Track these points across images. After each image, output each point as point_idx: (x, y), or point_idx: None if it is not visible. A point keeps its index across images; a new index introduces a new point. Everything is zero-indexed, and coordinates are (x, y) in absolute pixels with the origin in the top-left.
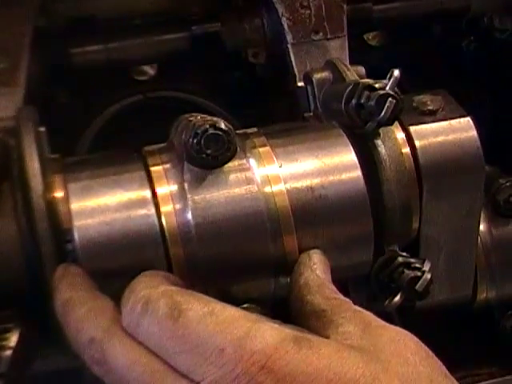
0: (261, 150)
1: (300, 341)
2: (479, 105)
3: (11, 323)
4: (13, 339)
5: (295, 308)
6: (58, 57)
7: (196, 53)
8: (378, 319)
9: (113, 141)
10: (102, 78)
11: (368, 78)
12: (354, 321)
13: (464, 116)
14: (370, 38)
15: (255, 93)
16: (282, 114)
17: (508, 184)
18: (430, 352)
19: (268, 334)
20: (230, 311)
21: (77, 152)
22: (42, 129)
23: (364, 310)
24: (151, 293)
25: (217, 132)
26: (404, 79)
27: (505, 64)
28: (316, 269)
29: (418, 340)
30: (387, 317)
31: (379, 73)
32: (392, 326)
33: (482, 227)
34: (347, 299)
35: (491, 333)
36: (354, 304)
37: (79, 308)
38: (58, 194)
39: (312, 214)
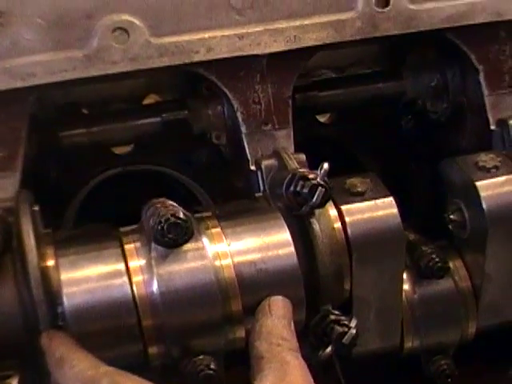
0: (213, 231)
1: None
2: (417, 174)
3: (11, 370)
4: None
5: (249, 351)
6: (48, 140)
7: (168, 134)
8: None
9: (96, 208)
10: (85, 154)
11: (313, 155)
12: (276, 373)
13: (388, 196)
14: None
15: (219, 168)
16: (240, 190)
17: (428, 251)
18: None
19: None
20: None
21: (65, 217)
22: (36, 208)
23: (296, 360)
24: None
25: (176, 220)
26: (353, 150)
27: (438, 139)
28: (273, 314)
29: None
30: (329, 363)
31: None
32: None
33: (407, 286)
34: (293, 346)
35: (420, 376)
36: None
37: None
38: (50, 263)
39: (254, 284)
